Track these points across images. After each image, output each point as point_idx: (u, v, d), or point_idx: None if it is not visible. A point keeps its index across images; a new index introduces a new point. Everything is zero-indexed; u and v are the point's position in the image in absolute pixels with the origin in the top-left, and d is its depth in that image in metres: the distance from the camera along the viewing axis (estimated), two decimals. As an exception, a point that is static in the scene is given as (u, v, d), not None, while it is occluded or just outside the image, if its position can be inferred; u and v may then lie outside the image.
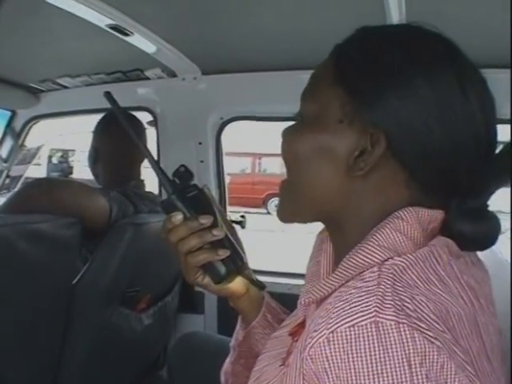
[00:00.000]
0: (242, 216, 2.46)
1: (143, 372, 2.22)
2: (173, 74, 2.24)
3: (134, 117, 2.07)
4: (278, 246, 7.85)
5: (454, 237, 0.68)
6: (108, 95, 0.89)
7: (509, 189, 0.73)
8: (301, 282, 0.82)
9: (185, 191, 0.86)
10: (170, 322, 2.25)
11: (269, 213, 14.50)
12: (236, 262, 0.90)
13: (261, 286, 1.01)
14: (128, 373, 2.09)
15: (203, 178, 2.34)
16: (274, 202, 14.60)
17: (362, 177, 0.69)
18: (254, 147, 13.79)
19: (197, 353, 1.56)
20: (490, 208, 0.71)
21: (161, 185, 0.86)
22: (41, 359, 1.67)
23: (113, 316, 1.81)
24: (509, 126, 1.57)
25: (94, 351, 1.80)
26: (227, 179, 2.48)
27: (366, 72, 0.69)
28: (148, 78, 2.30)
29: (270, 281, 2.22)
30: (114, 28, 1.63)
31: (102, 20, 1.56)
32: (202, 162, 2.34)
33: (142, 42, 1.78)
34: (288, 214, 0.80)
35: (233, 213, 2.57)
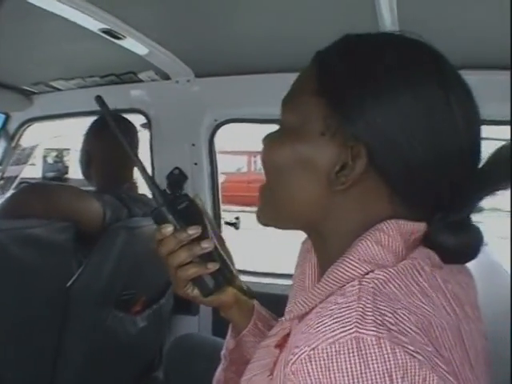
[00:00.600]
0: (237, 218, 2.46)
1: (139, 374, 2.23)
2: (166, 77, 2.24)
3: (127, 120, 2.07)
4: (273, 244, 7.83)
5: (436, 249, 0.68)
6: (99, 100, 0.88)
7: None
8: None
9: (175, 202, 0.86)
10: (164, 323, 2.26)
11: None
12: (225, 275, 0.91)
13: (251, 295, 1.02)
14: (124, 375, 2.09)
15: (197, 179, 2.34)
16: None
17: (343, 191, 0.68)
18: (249, 146, 13.75)
19: (192, 355, 1.56)
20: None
21: (152, 195, 0.85)
22: (37, 362, 1.68)
23: (108, 319, 1.82)
24: (509, 127, 1.58)
25: (89, 354, 1.80)
26: (222, 178, 2.48)
27: (348, 85, 0.67)
28: (141, 81, 2.30)
29: (263, 282, 2.24)
30: (107, 32, 1.63)
31: (94, 24, 1.56)
32: (195, 164, 2.35)
33: (135, 45, 1.78)
34: (267, 220, 0.80)
35: (228, 212, 2.57)
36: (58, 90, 2.48)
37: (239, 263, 1.79)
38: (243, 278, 1.04)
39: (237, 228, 2.42)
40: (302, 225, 0.77)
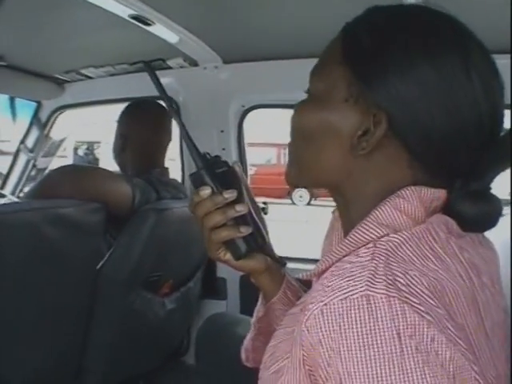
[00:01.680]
0: (265, 203, 2.47)
1: (166, 357, 2.26)
2: (194, 64, 2.25)
3: (161, 105, 2.10)
4: (301, 236, 7.84)
5: (455, 217, 0.69)
6: (148, 66, 0.91)
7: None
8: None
9: (214, 166, 0.88)
10: (192, 307, 2.28)
11: (293, 203, 14.52)
12: (257, 240, 0.92)
13: (281, 262, 1.03)
14: (151, 358, 2.12)
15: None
16: (298, 193, 14.64)
17: (364, 156, 0.70)
18: (278, 138, 13.76)
19: (224, 333, 1.57)
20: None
21: (192, 158, 0.88)
22: (66, 343, 1.72)
23: (137, 300, 1.85)
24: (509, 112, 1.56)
25: (118, 334, 1.84)
26: (252, 170, 2.48)
27: (372, 55, 0.69)
28: (170, 68, 2.31)
29: (295, 267, 2.23)
30: (136, 18, 1.65)
31: (123, 10, 1.58)
32: (223, 149, 2.36)
33: (164, 31, 1.80)
34: (294, 179, 0.83)
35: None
36: (89, 77, 2.52)
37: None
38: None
39: (265, 213, 2.43)
40: (326, 185, 0.80)
